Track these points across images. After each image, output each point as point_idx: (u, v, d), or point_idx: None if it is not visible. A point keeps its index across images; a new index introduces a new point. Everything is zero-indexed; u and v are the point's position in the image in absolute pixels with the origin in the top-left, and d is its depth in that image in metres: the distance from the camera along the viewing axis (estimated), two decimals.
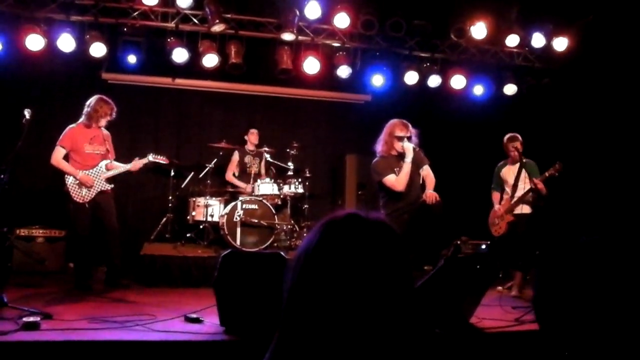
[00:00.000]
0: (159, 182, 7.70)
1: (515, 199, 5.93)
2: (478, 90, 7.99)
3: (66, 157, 5.56)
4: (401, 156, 5.05)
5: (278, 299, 0.98)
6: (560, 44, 7.47)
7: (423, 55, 7.74)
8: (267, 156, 7.46)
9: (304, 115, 8.58)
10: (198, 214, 7.12)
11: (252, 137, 7.64)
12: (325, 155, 8.54)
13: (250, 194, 6.98)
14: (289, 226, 7.14)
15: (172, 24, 6.96)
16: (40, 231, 6.57)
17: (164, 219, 7.21)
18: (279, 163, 7.54)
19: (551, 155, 5.94)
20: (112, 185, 5.72)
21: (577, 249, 1.19)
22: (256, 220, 6.58)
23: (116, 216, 5.72)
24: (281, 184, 7.06)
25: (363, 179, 7.78)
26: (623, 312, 1.09)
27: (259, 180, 7.11)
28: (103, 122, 5.63)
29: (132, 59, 6.97)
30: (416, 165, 5.13)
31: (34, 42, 6.45)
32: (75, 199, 5.48)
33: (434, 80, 7.71)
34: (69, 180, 5.49)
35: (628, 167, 6.86)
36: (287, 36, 7.17)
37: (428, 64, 7.74)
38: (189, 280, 6.10)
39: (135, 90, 7.80)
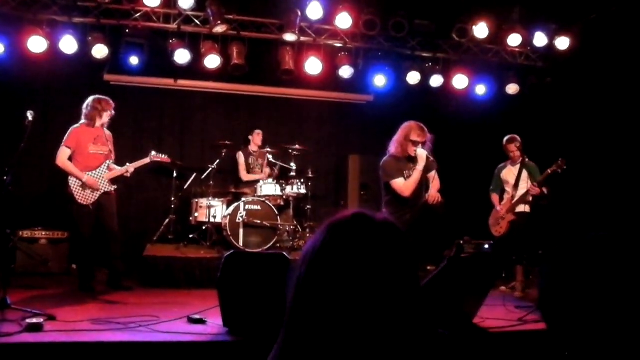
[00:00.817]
0: (162, 183, 7.71)
1: (516, 198, 5.95)
2: (480, 90, 7.98)
3: (69, 158, 5.57)
4: (412, 159, 4.97)
5: (281, 299, 0.98)
6: (563, 43, 7.46)
7: (425, 55, 7.74)
8: (270, 157, 7.46)
9: (307, 116, 8.58)
10: (201, 215, 7.13)
11: (257, 138, 7.64)
12: (327, 155, 8.53)
13: (266, 179, 7.03)
14: (291, 227, 7.14)
15: (174, 26, 6.97)
16: (43, 233, 6.57)
17: (167, 220, 7.21)
18: (281, 164, 7.54)
19: (554, 153, 5.93)
20: (115, 187, 5.73)
21: (585, 245, 1.17)
22: (259, 221, 6.58)
23: (117, 218, 5.73)
24: (284, 185, 7.05)
25: (366, 179, 7.77)
26: (631, 311, 1.08)
27: (261, 181, 7.11)
28: (106, 118, 5.63)
29: (134, 60, 6.97)
30: (426, 171, 5.07)
31: (37, 44, 6.46)
32: (78, 200, 5.48)
33: (436, 80, 7.70)
34: (72, 181, 5.49)
35: (631, 165, 6.84)
36: (289, 37, 7.17)
37: (430, 64, 7.73)
38: (192, 281, 6.09)
39: (138, 92, 7.81)
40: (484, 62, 7.86)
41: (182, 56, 6.98)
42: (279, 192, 6.99)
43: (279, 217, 6.74)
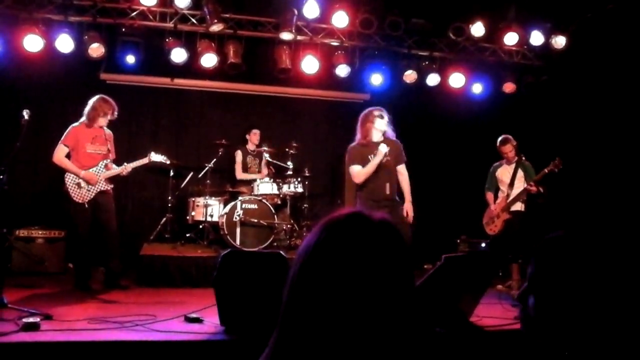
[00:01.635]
0: (158, 182, 7.69)
1: (511, 197, 5.97)
2: (477, 88, 7.99)
3: (67, 157, 5.55)
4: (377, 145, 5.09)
5: (278, 298, 0.98)
6: (559, 41, 7.47)
7: (422, 53, 7.73)
8: (267, 156, 7.46)
9: (303, 115, 8.57)
10: (197, 214, 7.12)
11: (254, 137, 7.64)
12: (324, 154, 8.53)
13: (263, 179, 7.03)
14: (288, 225, 7.14)
15: (170, 24, 6.96)
16: (40, 232, 6.55)
17: (164, 219, 7.21)
18: (278, 162, 7.54)
19: (550, 152, 5.94)
20: (112, 186, 5.72)
21: (545, 245, 1.23)
22: (256, 220, 6.58)
23: (115, 217, 5.72)
24: (280, 184, 7.05)
25: None
26: (587, 304, 1.15)
27: (258, 180, 7.11)
28: (103, 121, 5.61)
29: (130, 59, 6.96)
30: (395, 161, 5.18)
31: (33, 42, 6.43)
32: (74, 198, 5.47)
33: (433, 79, 7.70)
34: (69, 179, 5.48)
35: (627, 163, 6.86)
36: (286, 35, 7.16)
37: (427, 63, 7.73)
38: (189, 280, 6.09)
39: (134, 91, 7.79)
40: (481, 60, 7.87)
41: (178, 55, 6.97)
42: (275, 191, 6.99)
43: (275, 216, 6.75)
